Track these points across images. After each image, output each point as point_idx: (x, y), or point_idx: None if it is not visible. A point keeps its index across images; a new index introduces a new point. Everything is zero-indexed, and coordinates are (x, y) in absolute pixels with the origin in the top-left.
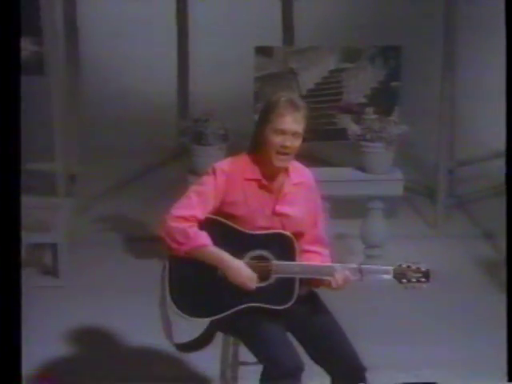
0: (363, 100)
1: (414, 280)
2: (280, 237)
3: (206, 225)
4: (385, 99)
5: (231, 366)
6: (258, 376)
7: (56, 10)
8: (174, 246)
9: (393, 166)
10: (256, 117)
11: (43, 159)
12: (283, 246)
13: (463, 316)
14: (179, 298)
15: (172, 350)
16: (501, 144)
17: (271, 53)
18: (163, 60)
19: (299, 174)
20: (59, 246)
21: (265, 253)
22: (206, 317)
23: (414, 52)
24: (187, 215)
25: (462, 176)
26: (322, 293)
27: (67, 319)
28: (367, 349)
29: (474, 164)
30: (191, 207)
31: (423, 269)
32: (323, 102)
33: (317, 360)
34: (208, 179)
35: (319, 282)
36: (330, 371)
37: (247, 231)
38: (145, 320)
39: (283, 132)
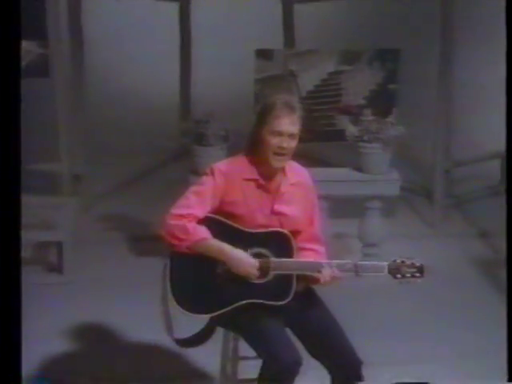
0: (362, 102)
1: (409, 275)
2: (278, 235)
3: (206, 224)
4: (383, 101)
5: (231, 361)
6: (257, 370)
7: (61, 13)
8: (175, 242)
9: (390, 167)
10: None
11: (48, 160)
12: (281, 243)
13: (460, 314)
14: (180, 294)
15: (173, 345)
16: (496, 145)
17: (271, 55)
18: (166, 62)
19: (296, 173)
20: (64, 244)
21: (263, 250)
22: (207, 313)
23: (412, 55)
24: (185, 214)
25: (458, 176)
26: (320, 289)
27: (71, 315)
28: (364, 345)
29: (470, 164)
30: (190, 206)
31: (417, 264)
32: (322, 103)
33: (315, 355)
34: (206, 179)
35: (314, 279)
36: (327, 366)
37: (246, 229)
38: (146, 316)
39: (280, 134)
